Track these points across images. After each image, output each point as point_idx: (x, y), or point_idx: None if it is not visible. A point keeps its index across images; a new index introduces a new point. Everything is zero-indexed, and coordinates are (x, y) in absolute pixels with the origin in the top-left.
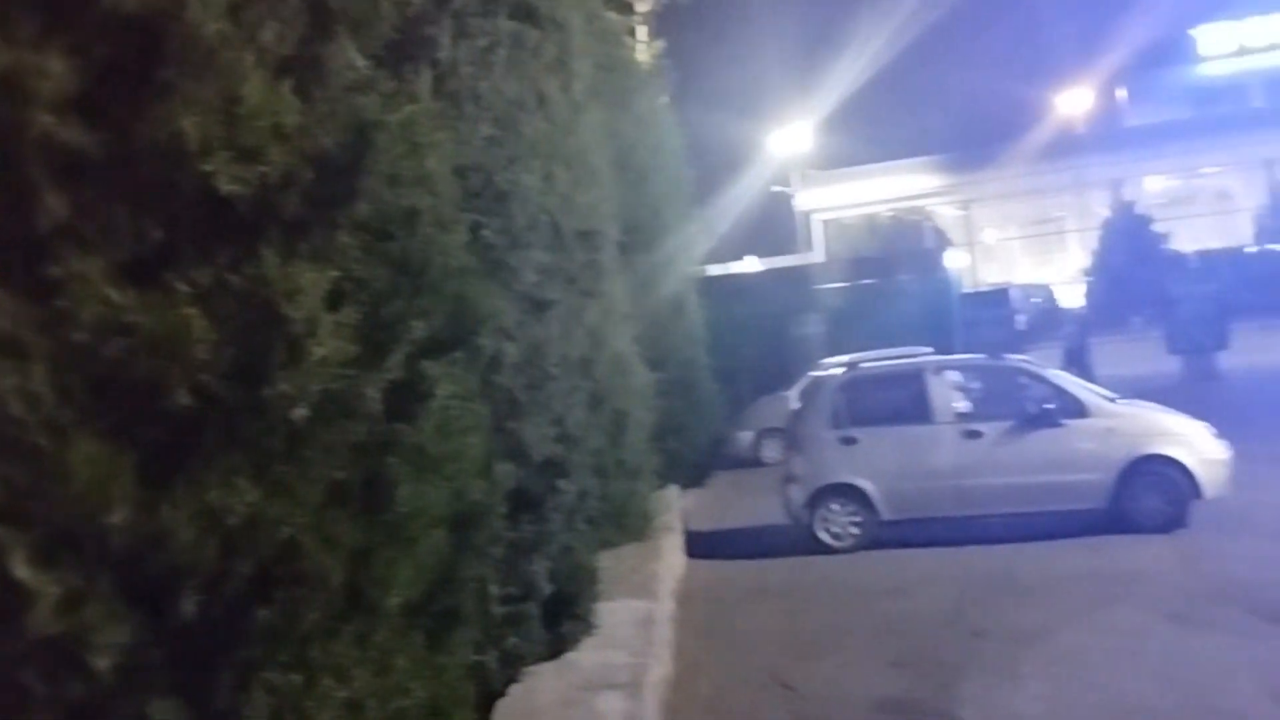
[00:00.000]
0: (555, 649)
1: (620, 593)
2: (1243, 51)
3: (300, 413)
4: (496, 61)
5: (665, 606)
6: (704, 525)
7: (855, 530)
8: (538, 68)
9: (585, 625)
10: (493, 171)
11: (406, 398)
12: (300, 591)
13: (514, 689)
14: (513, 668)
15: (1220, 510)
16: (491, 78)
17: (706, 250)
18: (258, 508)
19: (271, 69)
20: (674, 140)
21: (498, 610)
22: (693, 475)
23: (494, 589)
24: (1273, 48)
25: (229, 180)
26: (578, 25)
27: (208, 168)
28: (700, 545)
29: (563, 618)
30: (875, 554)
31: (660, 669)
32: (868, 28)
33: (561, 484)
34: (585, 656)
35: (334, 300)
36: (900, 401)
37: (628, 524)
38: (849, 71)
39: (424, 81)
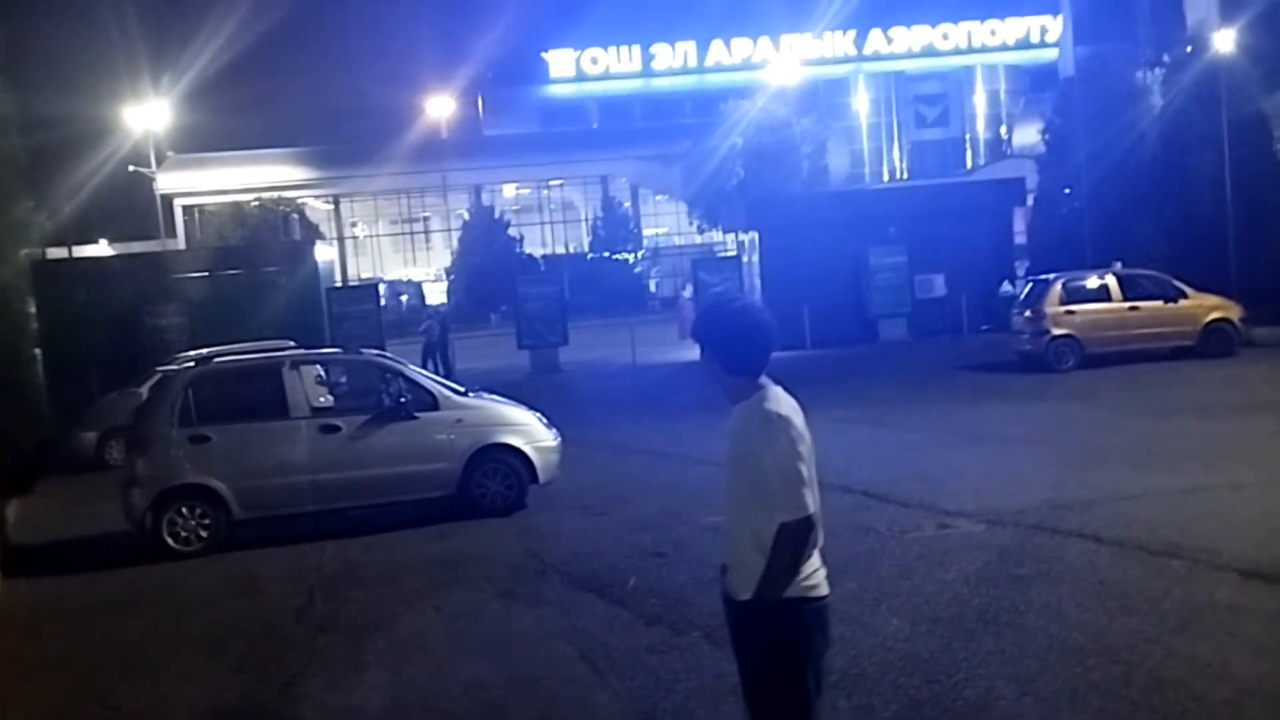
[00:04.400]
0: None
1: None
2: (582, 77)
3: None
4: None
5: None
6: (29, 538)
7: (205, 533)
8: None
9: None
10: None
11: None
12: None
13: None
14: None
15: (552, 492)
16: None
17: (44, 232)
18: None
19: None
20: None
21: None
22: (16, 483)
23: None
24: (607, 76)
25: None
26: None
27: None
28: (22, 561)
29: None
30: (227, 556)
31: None
32: (230, 7)
33: None
34: None
35: None
36: (256, 397)
37: None
38: (211, 50)
39: None
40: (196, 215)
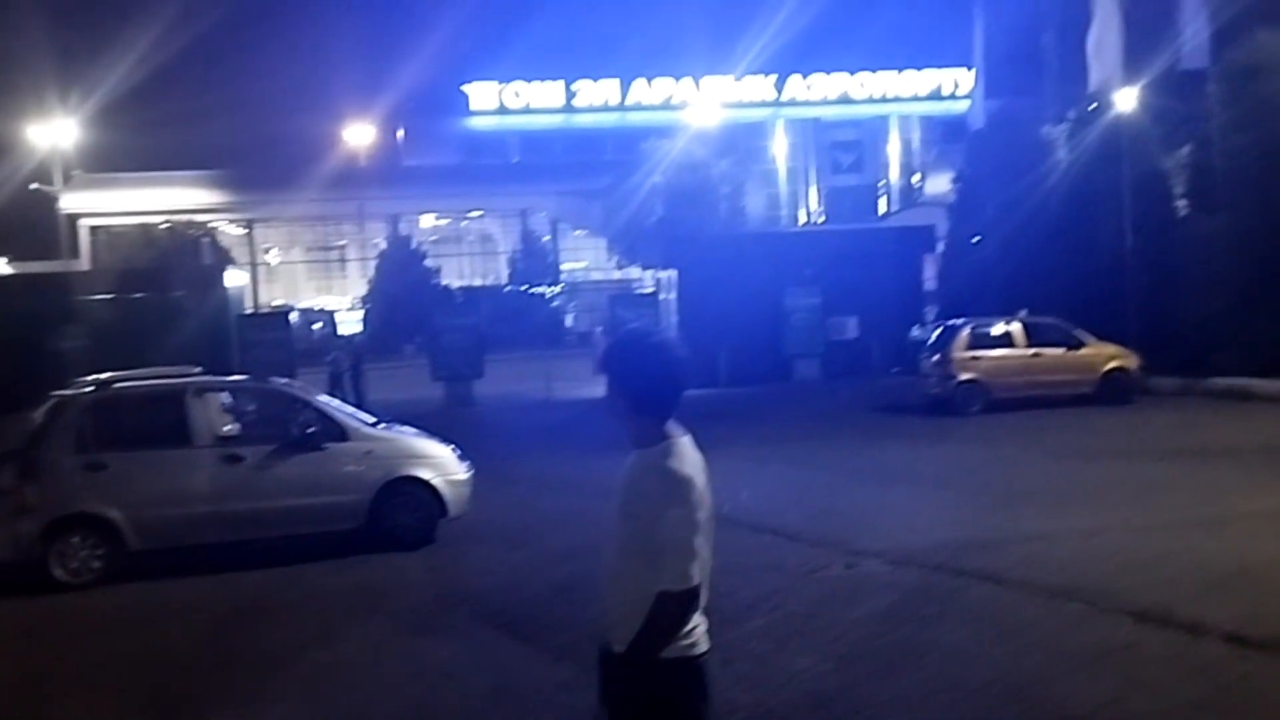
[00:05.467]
0: None
1: None
2: (503, 110)
3: None
4: None
5: None
6: None
7: (98, 564)
8: None
9: None
10: None
11: None
12: None
13: None
14: None
15: (463, 525)
16: None
17: None
18: None
19: None
20: None
21: None
22: None
23: None
24: (529, 110)
25: None
26: None
27: None
28: None
29: None
30: (124, 587)
31: None
32: (143, 24)
33: None
34: None
35: None
36: (157, 424)
37: None
38: (122, 68)
39: None
40: (103, 236)
